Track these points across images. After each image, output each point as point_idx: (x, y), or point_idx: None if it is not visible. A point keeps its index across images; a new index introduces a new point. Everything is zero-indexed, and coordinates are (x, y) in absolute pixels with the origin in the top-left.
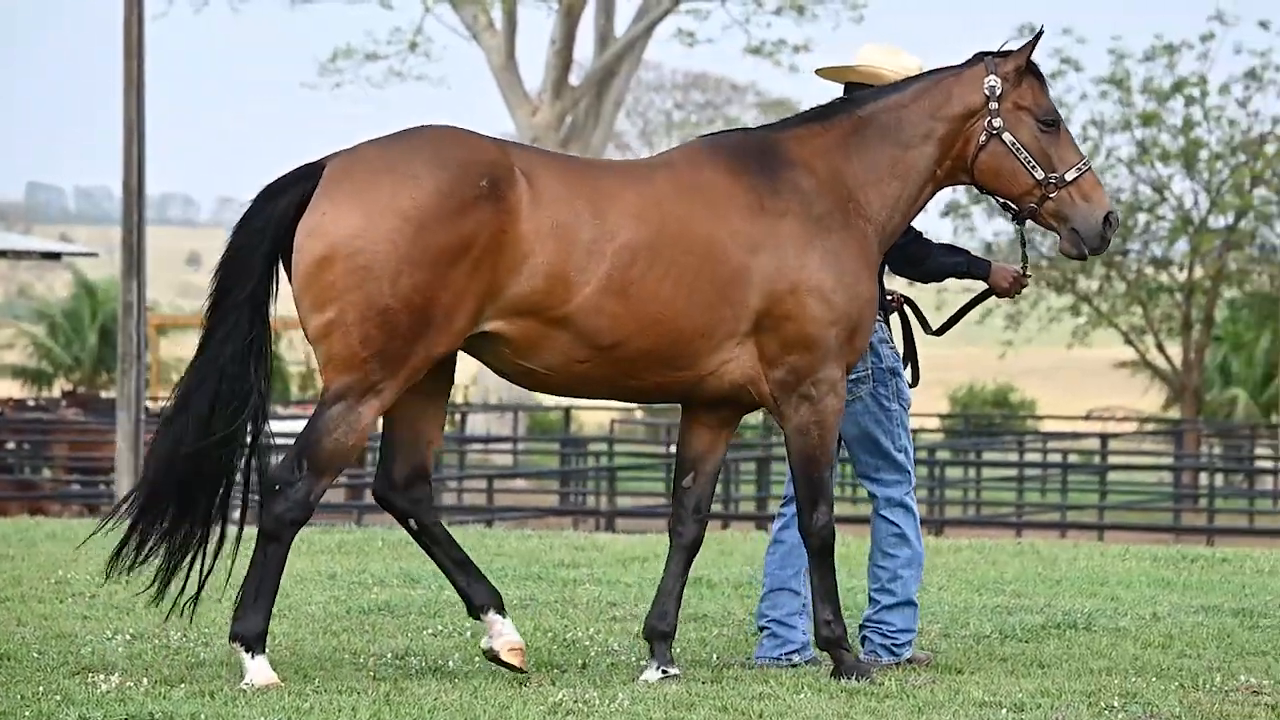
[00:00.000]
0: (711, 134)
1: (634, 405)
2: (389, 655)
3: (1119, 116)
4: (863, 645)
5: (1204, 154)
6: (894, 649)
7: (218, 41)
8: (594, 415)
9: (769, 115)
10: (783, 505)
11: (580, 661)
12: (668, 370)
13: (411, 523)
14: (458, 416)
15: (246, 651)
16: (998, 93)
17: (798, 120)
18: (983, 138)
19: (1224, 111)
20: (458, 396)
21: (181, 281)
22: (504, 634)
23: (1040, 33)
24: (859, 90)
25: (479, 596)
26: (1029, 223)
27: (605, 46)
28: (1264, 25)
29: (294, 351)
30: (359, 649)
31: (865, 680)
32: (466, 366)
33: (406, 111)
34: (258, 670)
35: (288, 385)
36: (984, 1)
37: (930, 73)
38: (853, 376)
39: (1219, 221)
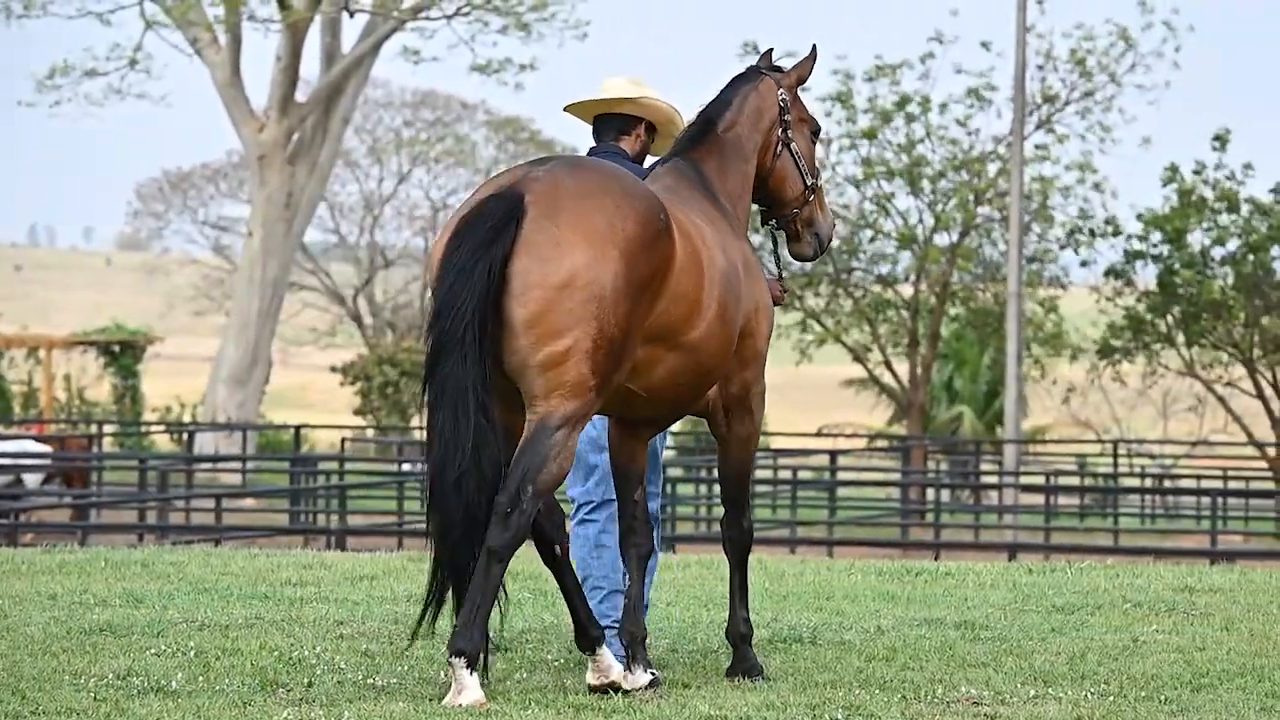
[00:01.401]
0: (661, 160)
1: (365, 424)
2: (111, 675)
3: (844, 134)
4: (609, 646)
5: (927, 171)
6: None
7: None
8: (325, 434)
9: (500, 134)
10: (590, 511)
11: (306, 680)
12: (709, 387)
13: (556, 548)
14: (185, 436)
15: (468, 667)
16: (787, 104)
17: (690, 143)
18: (779, 148)
19: (946, 130)
20: (186, 415)
21: None
22: (611, 668)
23: (815, 50)
24: (605, 121)
25: (596, 630)
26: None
27: (332, 63)
28: (985, 46)
29: (16, 370)
30: (80, 669)
31: (759, 679)
32: (196, 385)
33: (128, 128)
34: (471, 688)
35: (10, 405)
36: (705, 19)
37: (730, 87)
38: None
39: (943, 238)
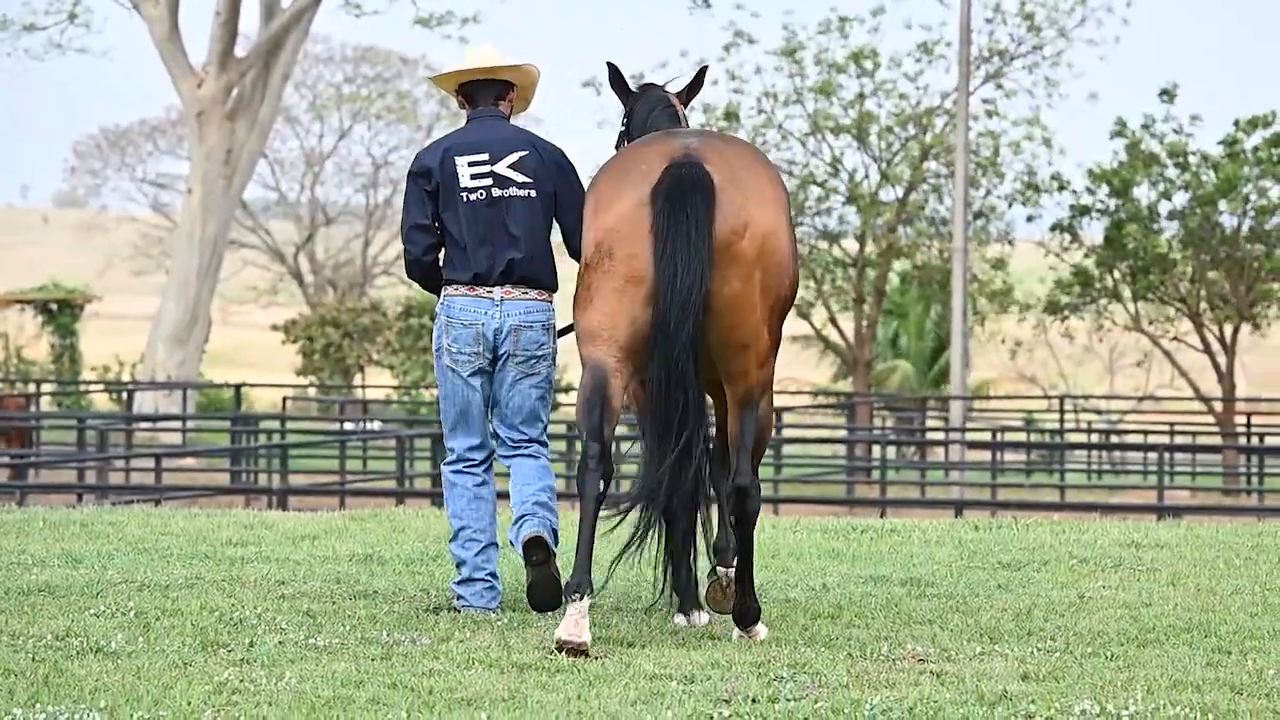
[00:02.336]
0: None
1: (306, 383)
2: (49, 636)
3: (792, 89)
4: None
5: (875, 127)
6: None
7: None
8: (266, 393)
9: (441, 90)
10: (472, 465)
11: (248, 640)
12: None
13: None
14: (124, 395)
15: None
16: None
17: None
18: None
19: (895, 85)
20: (125, 374)
21: None
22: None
23: (704, 71)
24: (484, 87)
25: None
26: None
27: (271, 17)
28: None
29: None
30: (18, 630)
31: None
32: (135, 343)
33: (65, 84)
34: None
35: None
36: None
37: (658, 108)
38: (539, 352)
39: (890, 194)
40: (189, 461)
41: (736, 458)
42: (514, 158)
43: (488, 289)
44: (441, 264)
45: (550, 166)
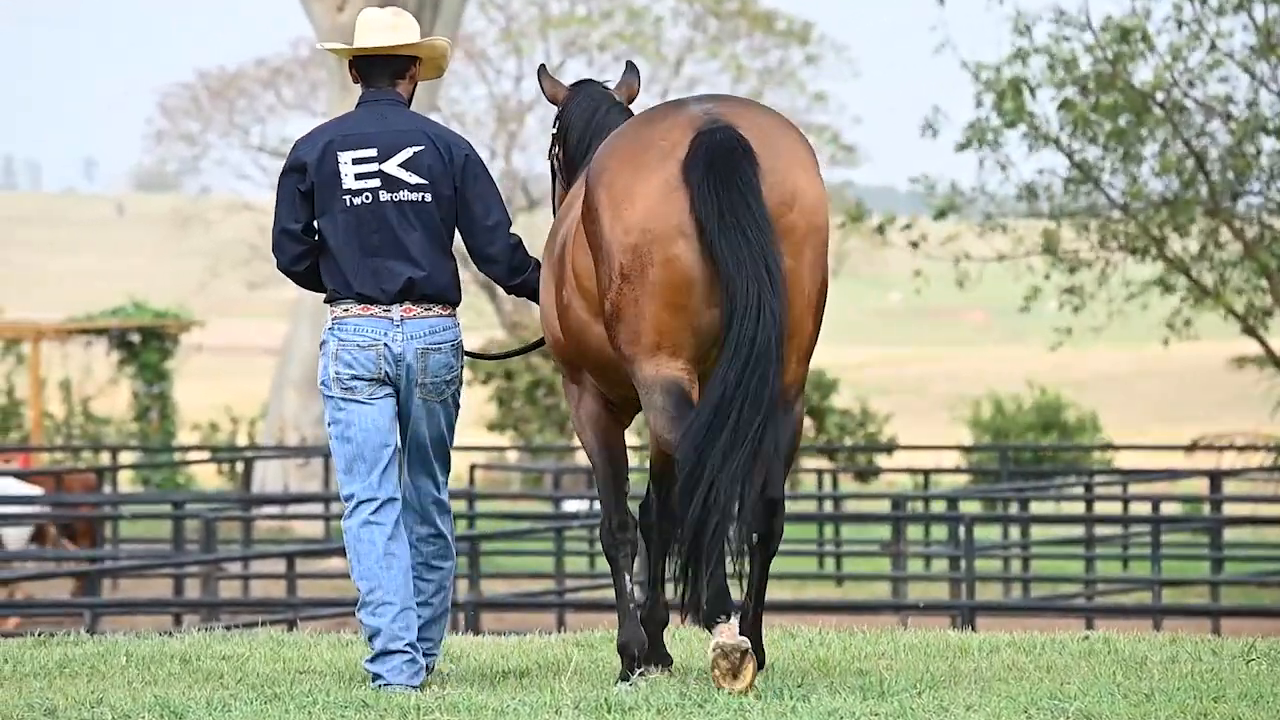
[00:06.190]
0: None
1: (505, 443)
2: None
3: None
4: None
5: None
6: (430, 668)
7: None
8: None
9: (694, 6)
10: (375, 511)
11: None
12: None
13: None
14: (239, 466)
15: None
16: None
17: None
18: None
19: None
20: (240, 436)
21: None
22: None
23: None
24: (381, 64)
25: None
26: None
27: None
28: None
29: None
30: None
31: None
32: (254, 389)
33: (147, 14)
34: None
35: None
36: None
37: (596, 93)
38: (449, 377)
39: None
40: (335, 563)
41: (768, 467)
42: (405, 155)
43: (384, 308)
44: (323, 276)
45: (450, 163)
